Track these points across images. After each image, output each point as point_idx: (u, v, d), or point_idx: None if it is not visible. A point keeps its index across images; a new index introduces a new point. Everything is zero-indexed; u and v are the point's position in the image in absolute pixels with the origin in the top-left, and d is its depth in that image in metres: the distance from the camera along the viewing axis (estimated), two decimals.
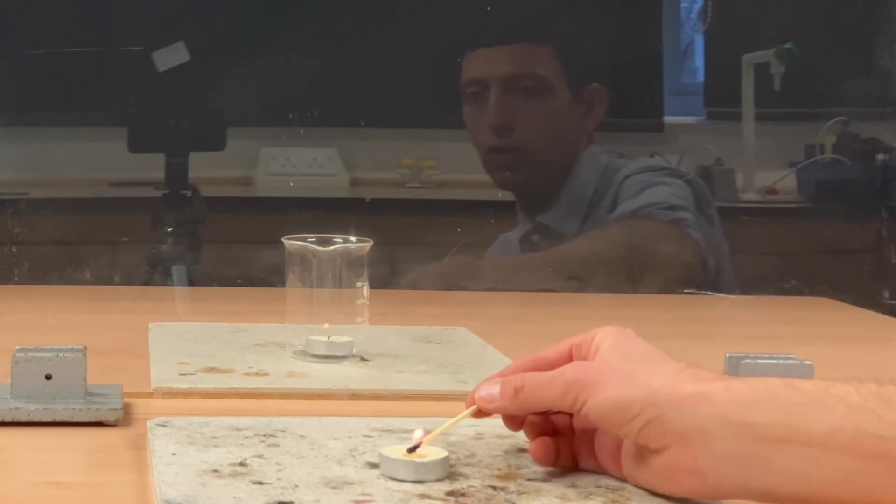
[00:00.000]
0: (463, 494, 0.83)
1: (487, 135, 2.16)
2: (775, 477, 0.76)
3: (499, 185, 2.21)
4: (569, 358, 0.89)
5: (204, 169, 2.34)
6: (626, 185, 2.09)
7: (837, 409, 0.75)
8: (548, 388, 0.85)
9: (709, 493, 0.80)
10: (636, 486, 0.84)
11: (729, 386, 0.79)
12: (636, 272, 2.01)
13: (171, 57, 2.26)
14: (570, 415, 0.88)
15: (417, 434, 0.87)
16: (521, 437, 0.96)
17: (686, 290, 1.98)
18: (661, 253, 2.02)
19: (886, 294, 2.31)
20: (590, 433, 0.88)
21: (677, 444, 0.79)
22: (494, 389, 0.87)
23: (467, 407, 0.90)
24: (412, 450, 0.86)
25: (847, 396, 0.76)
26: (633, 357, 0.85)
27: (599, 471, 0.88)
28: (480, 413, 0.89)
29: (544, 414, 0.89)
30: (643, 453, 0.82)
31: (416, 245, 2.22)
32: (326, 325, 1.24)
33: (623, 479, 0.86)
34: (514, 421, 0.89)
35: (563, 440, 0.89)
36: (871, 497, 0.74)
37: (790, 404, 0.77)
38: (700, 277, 2.03)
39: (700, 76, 2.74)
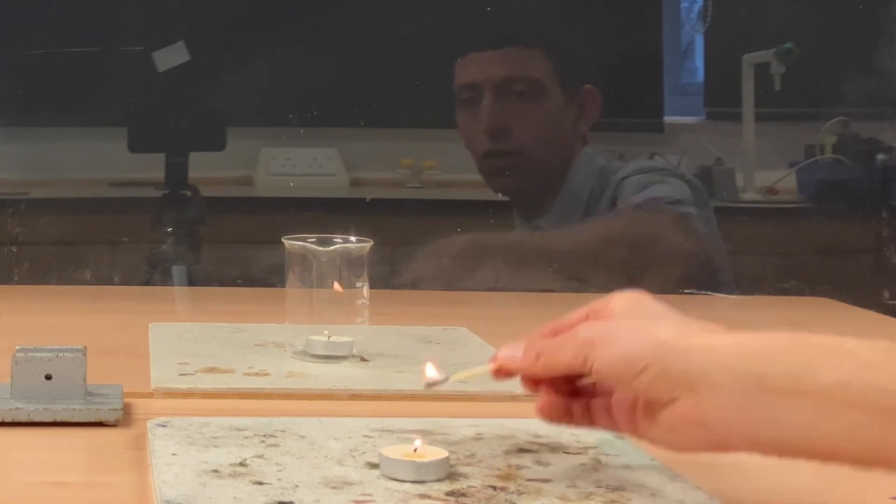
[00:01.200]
0: (463, 495, 0.83)
1: (482, 140, 2.15)
2: (781, 429, 0.76)
3: (495, 189, 2.20)
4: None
5: (204, 169, 2.34)
6: (626, 185, 2.09)
7: (846, 363, 0.74)
8: (562, 350, 0.85)
9: (716, 446, 0.80)
10: (651, 444, 0.84)
11: (737, 338, 0.79)
12: (640, 265, 2.00)
13: (171, 57, 2.25)
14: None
15: (431, 372, 0.88)
16: (521, 437, 0.96)
17: (686, 290, 1.98)
18: (666, 244, 2.02)
19: (886, 294, 2.31)
20: (608, 394, 0.87)
21: (684, 396, 0.79)
22: (517, 351, 0.88)
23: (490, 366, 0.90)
24: (431, 385, 0.87)
25: (857, 351, 0.75)
26: (643, 314, 0.85)
27: (615, 430, 0.87)
28: (501, 372, 0.89)
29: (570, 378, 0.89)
30: (653, 408, 0.81)
31: (416, 245, 2.21)
32: (327, 332, 1.25)
33: (639, 437, 0.85)
34: (532, 382, 0.89)
35: (581, 401, 0.88)
36: (878, 452, 0.74)
37: (798, 357, 0.76)
38: (703, 271, 2.03)
39: (700, 76, 2.73)
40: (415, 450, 0.86)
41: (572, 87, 2.15)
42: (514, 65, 2.16)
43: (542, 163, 2.16)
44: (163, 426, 0.96)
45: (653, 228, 2.04)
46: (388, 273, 2.11)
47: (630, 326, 0.83)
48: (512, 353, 0.88)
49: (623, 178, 2.10)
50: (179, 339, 1.33)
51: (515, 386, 1.19)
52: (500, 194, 2.22)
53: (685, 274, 2.01)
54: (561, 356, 0.85)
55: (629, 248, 2.04)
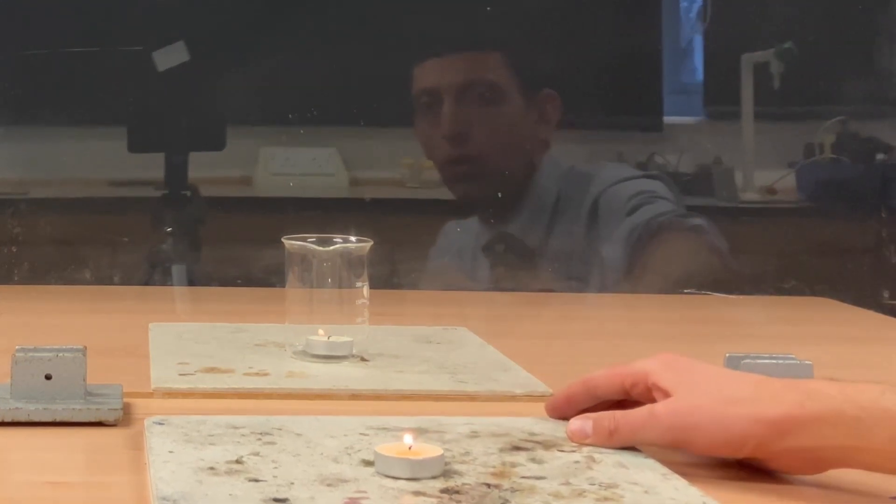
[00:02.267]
0: (457, 492, 0.83)
1: (444, 146, 2.14)
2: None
3: (458, 196, 2.19)
4: (623, 393, 0.97)
5: (204, 169, 2.34)
6: (614, 197, 2.08)
7: None
8: (645, 432, 0.92)
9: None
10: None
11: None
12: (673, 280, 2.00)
13: (171, 56, 2.26)
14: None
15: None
16: (515, 435, 0.97)
17: (686, 290, 1.98)
18: (692, 266, 2.02)
19: (886, 294, 2.31)
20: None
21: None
22: (586, 426, 0.95)
23: (547, 412, 1.01)
24: None
25: None
26: (703, 388, 0.92)
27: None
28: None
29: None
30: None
31: (416, 245, 2.21)
32: (321, 332, 1.25)
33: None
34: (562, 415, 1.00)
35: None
36: None
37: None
38: (726, 279, 2.03)
39: (699, 75, 2.73)
40: (409, 447, 0.87)
41: (531, 91, 2.14)
42: (473, 69, 2.14)
43: (504, 168, 2.15)
44: (160, 424, 0.97)
45: (680, 251, 2.04)
46: (388, 273, 2.11)
47: (714, 412, 0.90)
48: (581, 427, 0.95)
49: (606, 189, 2.09)
50: (179, 339, 1.33)
51: (512, 386, 1.19)
52: (462, 200, 2.20)
53: (711, 281, 2.01)
54: (644, 436, 0.92)
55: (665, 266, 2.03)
